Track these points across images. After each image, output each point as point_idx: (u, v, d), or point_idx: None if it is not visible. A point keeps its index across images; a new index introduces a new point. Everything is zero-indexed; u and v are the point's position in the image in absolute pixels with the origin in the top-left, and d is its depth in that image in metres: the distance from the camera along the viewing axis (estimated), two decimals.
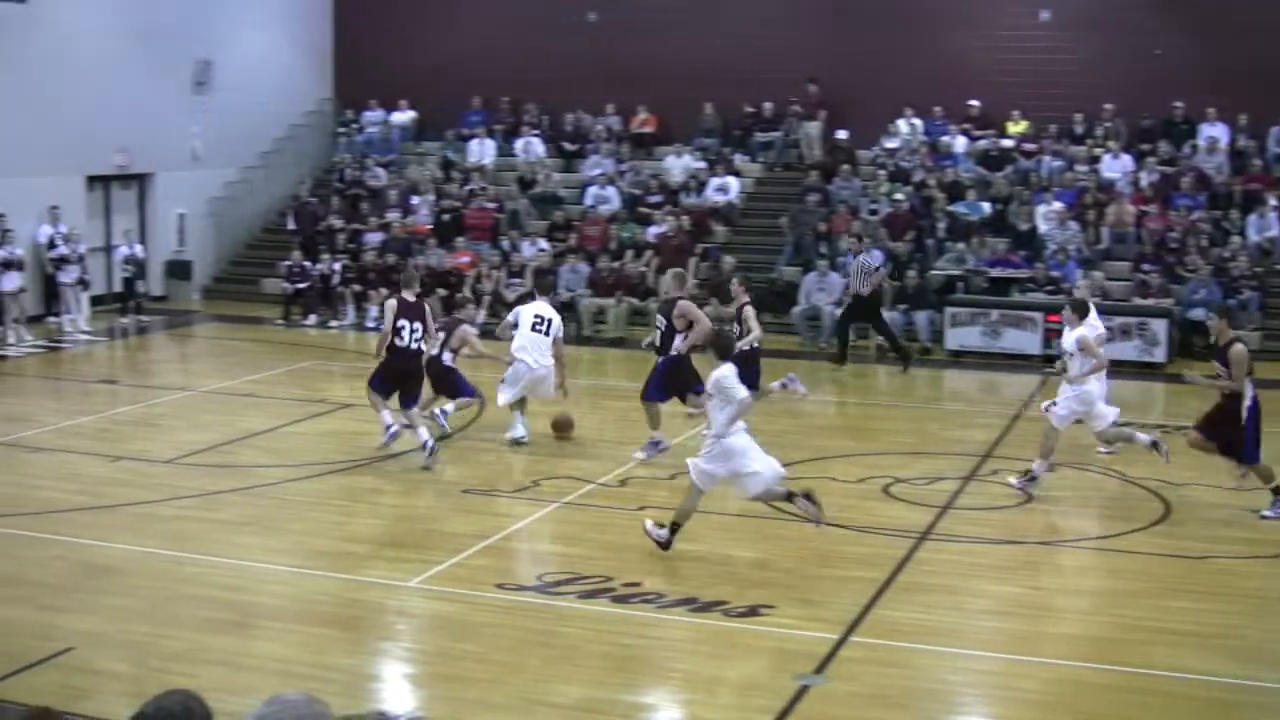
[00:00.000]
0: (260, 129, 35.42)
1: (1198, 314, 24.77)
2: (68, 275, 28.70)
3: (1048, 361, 23.61)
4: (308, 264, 30.92)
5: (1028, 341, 26.13)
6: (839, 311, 26.74)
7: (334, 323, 30.07)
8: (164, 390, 22.23)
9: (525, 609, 12.60)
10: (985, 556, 14.69)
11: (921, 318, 27.31)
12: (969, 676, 11.55)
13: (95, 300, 30.34)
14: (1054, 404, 17.27)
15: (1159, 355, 25.69)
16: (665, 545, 13.99)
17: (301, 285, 30.49)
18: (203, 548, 14.29)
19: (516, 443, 18.83)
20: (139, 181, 32.93)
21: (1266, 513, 15.87)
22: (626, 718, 10.68)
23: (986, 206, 29.93)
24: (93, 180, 31.32)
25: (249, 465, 17.81)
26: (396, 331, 17.85)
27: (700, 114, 34.16)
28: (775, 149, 33.52)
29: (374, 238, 31.66)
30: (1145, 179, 29.71)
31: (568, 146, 34.88)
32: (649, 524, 14.19)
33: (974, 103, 32.35)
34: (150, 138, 32.03)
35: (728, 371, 13.78)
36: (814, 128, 33.04)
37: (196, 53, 33.38)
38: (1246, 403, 15.85)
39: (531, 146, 34.48)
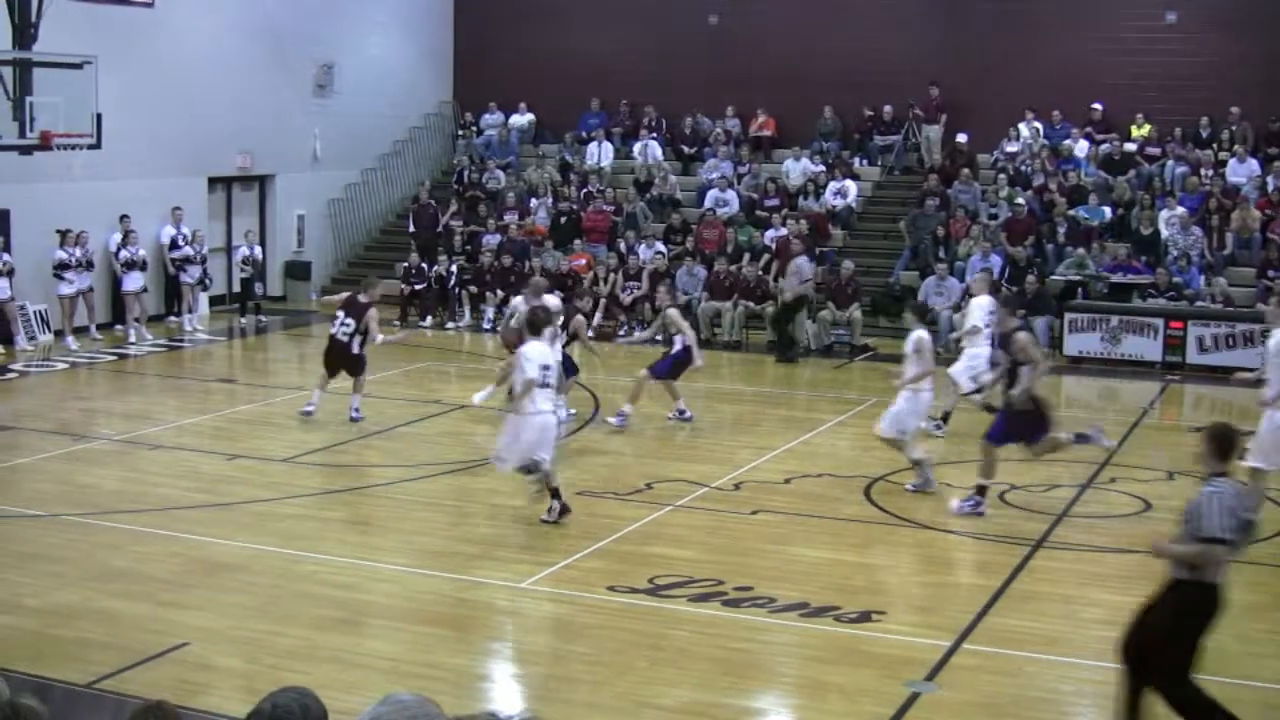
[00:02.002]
0: (380, 131, 35.72)
1: None
2: (190, 275, 29.13)
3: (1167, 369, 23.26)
4: (425, 265, 31.11)
5: (1148, 348, 25.75)
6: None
7: (450, 324, 30.23)
8: (281, 390, 22.46)
9: (635, 611, 12.58)
10: (1101, 565, 14.49)
11: (1040, 323, 26.93)
12: (1081, 686, 11.39)
13: (214, 300, 30.81)
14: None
15: None
16: (565, 510, 15.29)
17: (418, 286, 30.65)
18: (317, 546, 14.42)
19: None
20: (259, 183, 33.32)
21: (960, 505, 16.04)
22: None
23: (1108, 211, 29.54)
24: (214, 181, 31.69)
25: (364, 465, 17.95)
26: (334, 319, 20.38)
27: (819, 117, 34.02)
28: (894, 153, 33.33)
29: (491, 239, 31.80)
30: (1272, 184, 29.14)
31: (686, 149, 34.88)
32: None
33: (1097, 106, 31.96)
34: (271, 140, 32.42)
35: (528, 349, 15.08)
36: (935, 131, 32.82)
37: (318, 56, 33.72)
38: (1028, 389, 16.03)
39: (650, 149, 34.46)
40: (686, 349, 20.31)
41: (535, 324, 15.57)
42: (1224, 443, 9.75)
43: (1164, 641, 9.67)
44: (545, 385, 15.02)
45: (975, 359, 19.99)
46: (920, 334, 16.95)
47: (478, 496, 16.67)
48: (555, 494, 15.30)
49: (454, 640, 11.99)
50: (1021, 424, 16.08)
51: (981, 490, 16.02)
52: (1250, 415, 23.25)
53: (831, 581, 13.53)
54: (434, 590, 13.24)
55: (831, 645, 11.92)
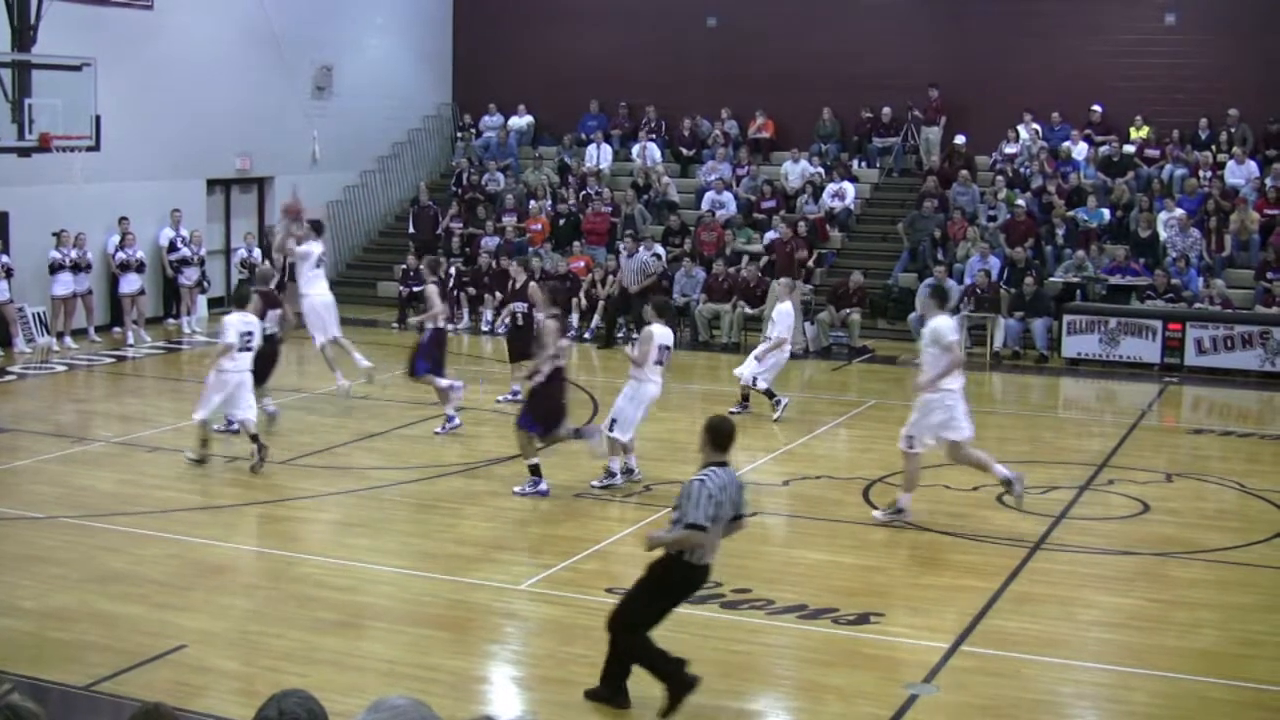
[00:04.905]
0: (379, 133, 35.72)
1: None
2: (188, 277, 29.15)
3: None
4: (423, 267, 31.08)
5: (1146, 350, 25.76)
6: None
7: (449, 326, 30.18)
8: (279, 392, 22.41)
9: None
10: (1099, 567, 14.49)
11: (1039, 325, 26.98)
12: (1079, 688, 11.39)
13: (212, 303, 30.81)
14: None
15: None
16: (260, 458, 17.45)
17: (417, 289, 30.57)
18: (314, 548, 14.45)
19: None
20: (258, 185, 33.31)
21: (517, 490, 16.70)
22: None
23: (1106, 213, 29.54)
24: (213, 183, 31.69)
25: (362, 467, 17.93)
26: None
27: (818, 119, 34.03)
28: (893, 154, 33.32)
29: (490, 241, 31.78)
30: (1270, 185, 29.13)
31: (685, 151, 34.87)
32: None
33: (1096, 108, 31.95)
34: (270, 142, 32.41)
35: (229, 318, 18.05)
36: (933, 133, 32.83)
37: (317, 58, 33.72)
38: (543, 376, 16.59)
39: (649, 151, 34.44)
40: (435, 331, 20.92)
41: (238, 298, 18.61)
42: (719, 434, 10.79)
43: (636, 599, 10.56)
44: (246, 349, 17.74)
45: (773, 359, 21.38)
46: (654, 328, 17.09)
47: (476, 498, 16.66)
48: (255, 438, 17.63)
49: (452, 642, 11.99)
50: (543, 410, 16.64)
51: (535, 470, 16.69)
52: (1247, 415, 23.35)
53: (830, 584, 13.53)
54: (432, 592, 13.24)
55: (830, 647, 11.91)
